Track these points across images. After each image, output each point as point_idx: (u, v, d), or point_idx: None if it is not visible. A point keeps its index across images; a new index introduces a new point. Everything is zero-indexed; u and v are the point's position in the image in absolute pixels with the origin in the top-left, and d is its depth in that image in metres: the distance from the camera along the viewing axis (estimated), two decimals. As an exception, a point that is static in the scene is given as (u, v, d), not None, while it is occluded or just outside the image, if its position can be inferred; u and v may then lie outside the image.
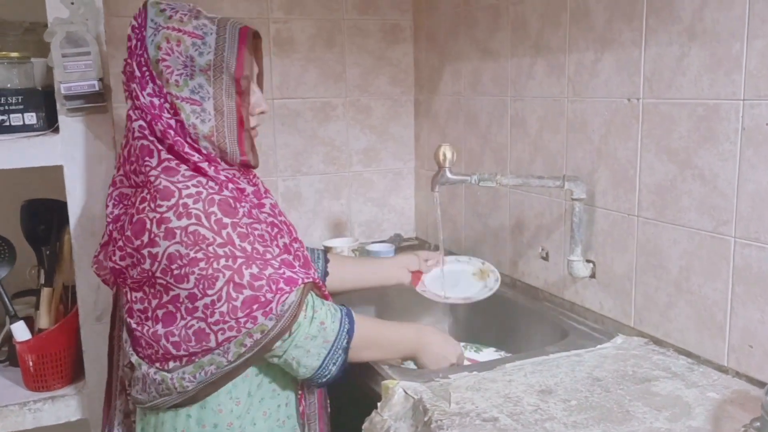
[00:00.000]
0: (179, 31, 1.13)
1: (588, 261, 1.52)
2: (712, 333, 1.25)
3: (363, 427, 1.20)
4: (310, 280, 1.15)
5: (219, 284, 1.07)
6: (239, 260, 1.08)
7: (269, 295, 1.08)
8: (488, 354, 1.54)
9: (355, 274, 1.56)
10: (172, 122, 1.14)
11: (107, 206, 1.20)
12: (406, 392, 1.20)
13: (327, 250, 1.94)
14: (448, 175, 1.51)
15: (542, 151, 1.65)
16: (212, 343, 1.09)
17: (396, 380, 1.24)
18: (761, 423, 0.92)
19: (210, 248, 1.07)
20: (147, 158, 1.14)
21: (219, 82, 1.14)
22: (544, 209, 1.67)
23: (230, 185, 1.16)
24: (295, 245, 1.26)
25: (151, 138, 1.15)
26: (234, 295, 1.07)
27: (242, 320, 1.07)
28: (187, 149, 1.14)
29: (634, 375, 1.24)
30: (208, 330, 1.08)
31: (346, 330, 1.16)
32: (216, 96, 1.14)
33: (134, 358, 1.17)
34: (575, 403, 1.15)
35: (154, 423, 1.19)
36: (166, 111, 1.14)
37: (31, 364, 1.52)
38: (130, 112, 1.17)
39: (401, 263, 1.59)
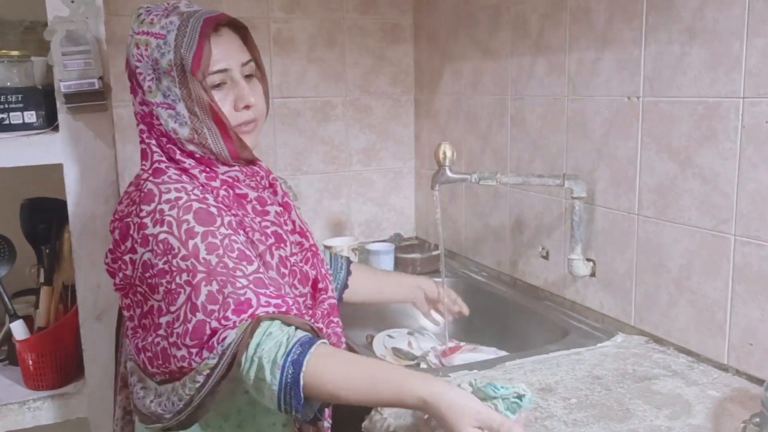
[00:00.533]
0: (147, 33, 1.07)
1: (588, 260, 1.51)
2: (712, 331, 1.25)
3: (363, 425, 1.20)
4: (268, 312, 0.98)
5: (180, 301, 1.00)
6: (199, 275, 0.99)
7: (214, 324, 0.98)
8: (489, 354, 1.54)
9: (374, 291, 1.52)
10: (162, 129, 1.10)
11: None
12: (406, 390, 1.19)
13: (327, 250, 1.94)
14: (449, 173, 1.50)
15: (542, 150, 1.65)
16: (173, 366, 1.02)
17: (396, 379, 1.23)
18: (761, 419, 0.91)
19: (174, 261, 1.00)
20: (143, 161, 1.12)
21: (184, 81, 1.06)
22: (545, 208, 1.67)
23: (222, 192, 1.10)
24: (293, 259, 1.16)
25: (149, 141, 1.12)
26: (189, 316, 0.99)
27: (193, 350, 0.99)
28: (179, 156, 1.10)
29: (634, 373, 1.24)
30: (169, 351, 1.02)
31: (289, 381, 0.95)
32: (184, 97, 1.07)
33: (130, 364, 1.15)
34: (575, 401, 1.15)
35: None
36: (155, 119, 1.10)
37: (30, 362, 1.52)
38: (137, 117, 1.15)
39: (420, 285, 1.53)
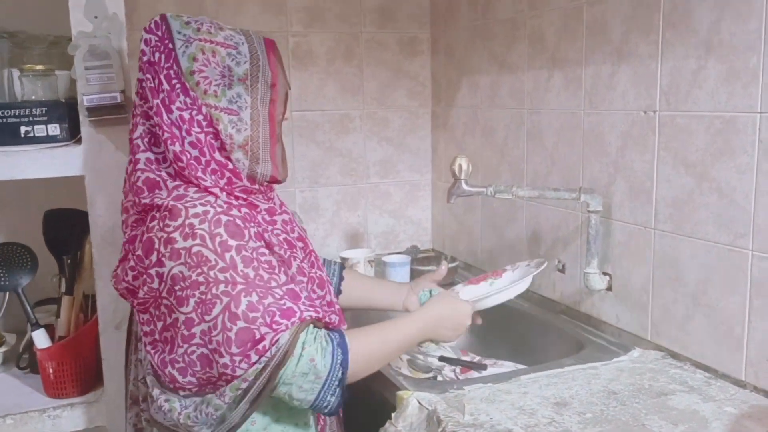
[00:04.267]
0: (211, 42, 1.12)
1: (604, 273, 1.51)
2: (729, 347, 1.24)
3: (377, 437, 1.21)
4: (310, 316, 1.07)
5: (215, 311, 1.03)
6: (238, 287, 1.04)
7: (264, 329, 1.03)
8: (506, 367, 1.53)
9: (366, 298, 1.51)
10: (201, 137, 1.11)
11: (124, 232, 1.17)
12: (420, 403, 1.20)
13: (343, 261, 1.95)
14: (464, 186, 1.51)
15: (559, 163, 1.65)
16: (215, 372, 1.05)
17: (410, 391, 1.24)
18: (778, 438, 0.91)
19: (211, 272, 1.04)
20: (157, 191, 1.11)
21: (255, 91, 1.14)
22: (561, 221, 1.66)
23: (243, 209, 1.13)
24: (307, 269, 1.21)
25: (159, 172, 1.12)
26: (228, 325, 1.03)
27: (236, 358, 1.03)
28: (199, 173, 1.10)
29: (650, 388, 1.23)
30: (210, 357, 1.05)
31: (339, 363, 1.08)
32: (253, 105, 1.13)
33: (150, 378, 1.15)
34: (590, 416, 1.14)
35: None
36: (196, 125, 1.11)
37: (51, 371, 1.54)
38: (138, 141, 1.13)
39: (412, 290, 1.51)
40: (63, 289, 1.62)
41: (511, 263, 1.86)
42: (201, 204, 1.08)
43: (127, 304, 1.34)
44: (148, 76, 1.12)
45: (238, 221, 1.09)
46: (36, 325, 1.55)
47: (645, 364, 1.35)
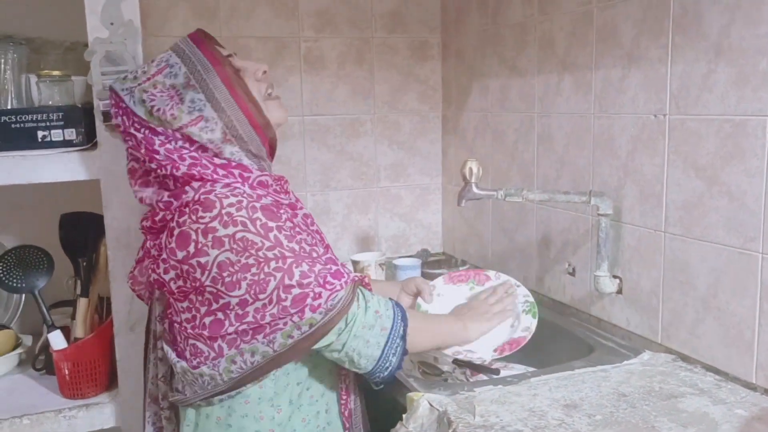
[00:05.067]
0: (148, 79, 1.18)
1: (615, 277, 1.51)
2: (740, 350, 1.24)
3: (388, 439, 1.22)
4: (357, 277, 1.17)
5: (270, 288, 1.08)
6: (289, 260, 1.10)
7: (317, 289, 1.10)
8: (516, 370, 1.54)
9: None
10: (195, 154, 1.16)
11: (159, 208, 1.21)
12: (431, 404, 1.21)
13: (354, 265, 1.96)
14: (474, 190, 1.52)
15: (569, 166, 1.66)
16: (258, 341, 1.11)
17: (421, 392, 1.25)
18: (788, 440, 0.91)
19: (260, 253, 1.09)
20: (182, 195, 1.16)
21: (204, 84, 1.16)
22: (571, 225, 1.67)
23: (269, 198, 1.19)
24: (324, 257, 1.26)
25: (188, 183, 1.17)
26: (284, 296, 1.09)
27: (295, 317, 1.09)
28: (215, 176, 1.16)
29: (660, 391, 1.24)
30: (259, 327, 1.10)
31: (400, 317, 1.18)
32: (209, 98, 1.16)
33: (180, 365, 1.18)
34: (600, 418, 1.15)
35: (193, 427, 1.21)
36: (183, 150, 1.16)
37: (66, 372, 1.56)
38: (157, 161, 1.18)
39: (403, 289, 1.57)
40: (78, 291, 1.64)
41: (518, 267, 1.88)
42: (233, 195, 1.13)
43: (142, 305, 1.37)
44: (130, 142, 1.19)
45: (271, 207, 1.15)
46: (52, 327, 1.57)
47: (655, 366, 1.35)
